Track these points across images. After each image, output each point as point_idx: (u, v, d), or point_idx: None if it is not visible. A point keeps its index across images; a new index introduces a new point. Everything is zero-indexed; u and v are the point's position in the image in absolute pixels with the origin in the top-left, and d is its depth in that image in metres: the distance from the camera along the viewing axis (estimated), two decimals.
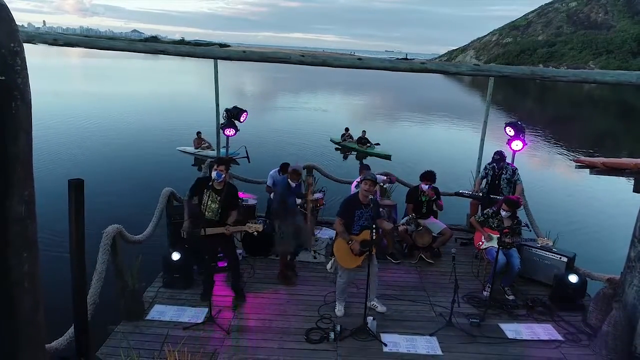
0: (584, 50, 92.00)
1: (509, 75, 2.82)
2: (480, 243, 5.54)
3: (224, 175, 4.64)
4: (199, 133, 15.55)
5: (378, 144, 16.88)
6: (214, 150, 15.86)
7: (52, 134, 17.24)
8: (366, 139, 17.01)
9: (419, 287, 5.56)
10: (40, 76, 38.31)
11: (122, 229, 4.56)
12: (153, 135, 18.16)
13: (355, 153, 17.10)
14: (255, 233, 4.76)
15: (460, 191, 6.78)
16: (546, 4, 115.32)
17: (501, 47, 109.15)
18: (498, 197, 6.36)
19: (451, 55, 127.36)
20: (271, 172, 6.78)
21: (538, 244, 5.54)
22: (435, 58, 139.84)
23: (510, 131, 6.83)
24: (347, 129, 17.92)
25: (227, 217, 4.75)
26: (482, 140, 7.31)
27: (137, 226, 5.49)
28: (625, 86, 2.63)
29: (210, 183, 4.65)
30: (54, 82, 37.09)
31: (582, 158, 4.48)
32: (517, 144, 6.78)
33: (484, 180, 6.79)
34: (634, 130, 33.22)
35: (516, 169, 6.63)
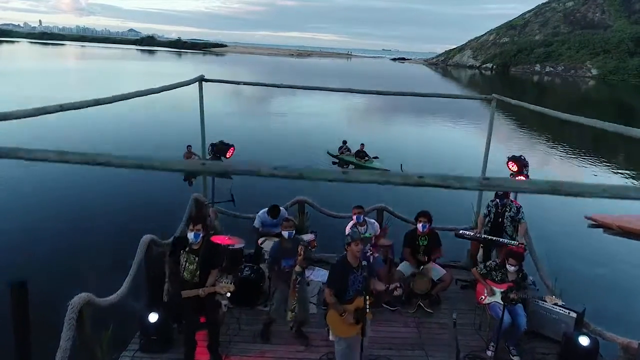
0: (581, 50, 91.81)
1: (524, 191, 2.41)
2: (483, 297, 5.15)
3: (201, 235, 4.24)
4: (189, 147, 15.07)
5: (377, 157, 16.49)
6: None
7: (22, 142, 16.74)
8: (364, 152, 16.60)
9: (417, 344, 5.16)
10: (27, 80, 37.71)
11: (90, 297, 4.14)
12: (140, 148, 17.59)
13: (353, 167, 16.70)
14: (228, 294, 4.34)
15: (461, 231, 6.39)
16: (543, 4, 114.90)
17: (498, 46, 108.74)
18: (501, 240, 5.99)
19: (448, 54, 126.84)
20: (259, 213, 6.44)
21: (546, 301, 5.14)
22: (433, 58, 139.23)
23: (513, 166, 6.45)
24: (344, 142, 17.51)
25: (207, 278, 4.35)
26: (484, 172, 6.94)
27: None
28: None
29: (187, 248, 4.24)
30: (39, 86, 36.37)
31: (596, 216, 4.09)
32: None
33: (487, 218, 6.41)
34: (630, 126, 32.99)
35: (520, 206, 6.26)
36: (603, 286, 7.36)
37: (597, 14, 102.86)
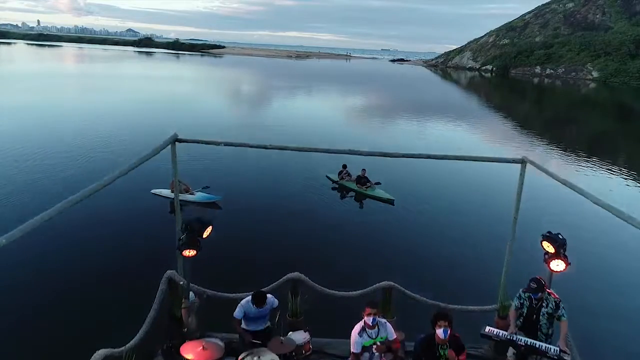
0: (581, 52, 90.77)
1: None
2: None
3: None
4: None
5: (379, 183, 15.40)
6: (193, 194, 14.40)
7: None
8: (366, 178, 15.51)
9: None
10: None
11: None
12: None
13: (354, 194, 15.61)
14: None
15: (487, 329, 5.29)
16: (543, 5, 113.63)
17: (498, 48, 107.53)
18: (537, 345, 4.92)
19: (448, 55, 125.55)
20: (242, 302, 5.44)
21: None
22: (432, 59, 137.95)
23: (549, 247, 5.36)
24: (344, 166, 16.40)
25: None
26: (512, 241, 5.87)
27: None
28: None
29: None
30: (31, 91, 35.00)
31: None
32: (557, 264, 5.30)
33: (518, 312, 5.33)
34: (631, 131, 32.70)
35: (560, 301, 5.18)
36: None
37: (597, 16, 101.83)
